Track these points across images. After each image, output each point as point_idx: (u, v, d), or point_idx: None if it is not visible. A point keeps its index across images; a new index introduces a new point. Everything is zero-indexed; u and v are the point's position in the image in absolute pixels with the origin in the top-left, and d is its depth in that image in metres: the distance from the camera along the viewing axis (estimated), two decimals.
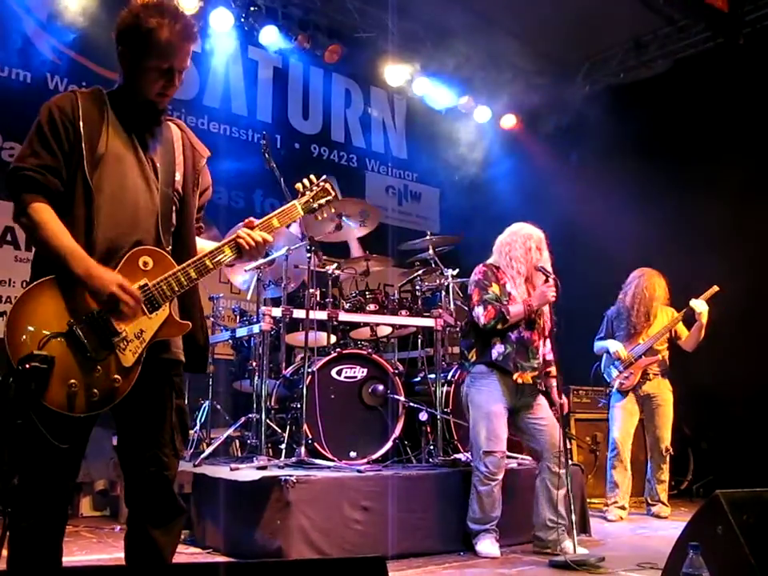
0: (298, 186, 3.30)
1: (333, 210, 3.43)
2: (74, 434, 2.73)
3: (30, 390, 2.51)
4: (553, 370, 5.45)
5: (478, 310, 5.17)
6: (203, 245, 3.13)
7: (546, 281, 5.14)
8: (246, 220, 3.12)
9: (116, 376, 2.71)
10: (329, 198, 3.33)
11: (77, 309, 2.68)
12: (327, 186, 3.34)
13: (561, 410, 5.17)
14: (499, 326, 5.11)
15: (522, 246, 5.26)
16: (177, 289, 2.85)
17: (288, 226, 4.99)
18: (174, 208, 2.98)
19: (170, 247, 2.94)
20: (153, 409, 2.83)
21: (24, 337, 2.59)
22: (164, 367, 2.87)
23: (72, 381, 2.62)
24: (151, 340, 2.80)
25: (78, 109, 2.82)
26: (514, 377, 5.11)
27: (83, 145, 2.78)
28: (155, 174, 2.93)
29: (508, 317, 5.08)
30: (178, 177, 3.01)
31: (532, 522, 5.20)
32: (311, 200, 3.29)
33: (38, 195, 2.73)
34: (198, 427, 6.51)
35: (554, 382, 5.45)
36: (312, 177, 3.34)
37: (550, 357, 5.41)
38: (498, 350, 5.14)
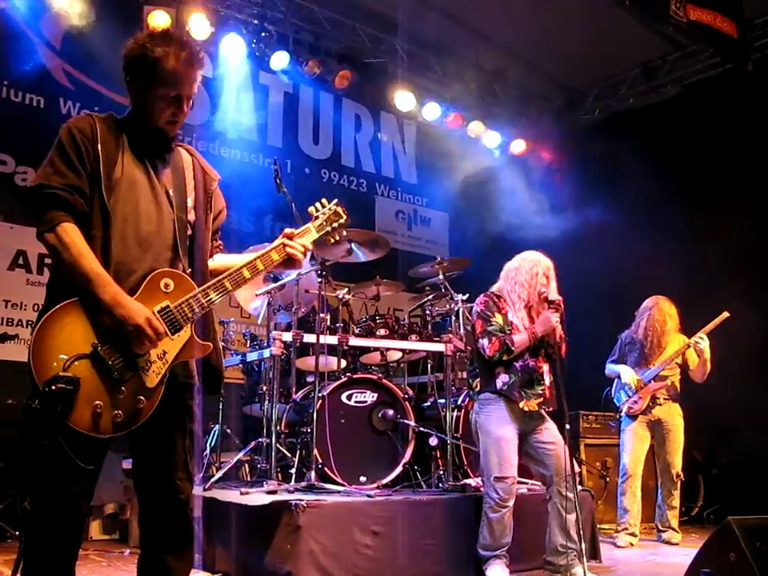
0: (311, 209, 3.34)
1: (345, 234, 3.45)
2: (97, 455, 2.76)
3: (55, 411, 2.53)
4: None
5: (483, 342, 5.16)
6: (226, 261, 3.20)
7: (550, 306, 5.13)
8: (284, 231, 3.19)
9: (140, 397, 2.74)
10: (341, 221, 3.38)
11: (101, 330, 2.70)
12: (339, 209, 3.39)
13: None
14: (505, 357, 5.10)
15: (528, 270, 5.25)
16: (197, 310, 2.88)
17: None
18: (187, 232, 3.01)
19: (192, 270, 2.97)
20: (167, 432, 2.85)
21: (49, 359, 2.61)
22: (178, 390, 2.89)
23: (97, 402, 2.65)
24: (174, 361, 2.84)
25: (96, 132, 2.86)
26: (520, 405, 5.10)
27: (101, 167, 2.81)
28: (168, 199, 2.97)
29: (513, 347, 5.07)
30: (190, 202, 3.05)
31: (543, 547, 5.16)
32: (324, 223, 3.33)
33: (66, 214, 2.75)
34: (208, 451, 6.51)
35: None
36: (324, 200, 3.39)
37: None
38: (502, 380, 5.13)
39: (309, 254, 3.32)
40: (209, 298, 2.92)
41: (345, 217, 3.41)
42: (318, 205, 3.37)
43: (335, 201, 3.43)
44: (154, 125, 2.96)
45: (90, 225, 2.78)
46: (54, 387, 2.54)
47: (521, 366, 5.16)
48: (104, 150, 2.84)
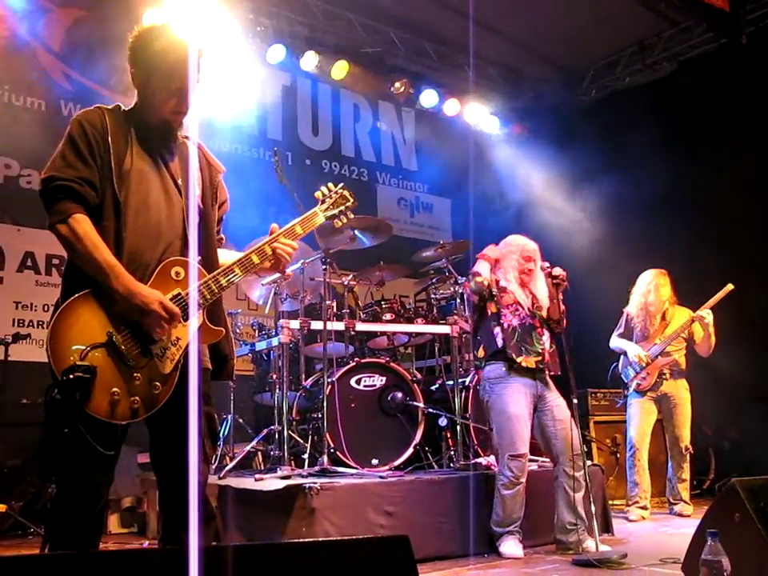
0: (318, 194, 3.42)
1: (351, 216, 3.52)
2: (116, 441, 2.83)
3: (74, 399, 2.60)
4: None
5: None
6: (227, 255, 3.25)
7: (554, 282, 5.25)
8: (271, 227, 3.23)
9: (156, 383, 2.82)
10: (348, 204, 3.48)
11: (116, 319, 2.77)
12: (345, 192, 3.48)
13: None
14: (473, 285, 5.38)
15: (515, 255, 5.45)
16: (208, 297, 2.96)
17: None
18: (196, 221, 3.07)
19: (200, 257, 3.03)
20: (183, 416, 2.90)
21: (67, 349, 2.68)
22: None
23: (114, 389, 2.72)
24: (187, 347, 2.90)
25: (106, 124, 2.92)
26: (518, 360, 5.19)
27: (112, 159, 2.87)
28: (177, 189, 3.03)
29: (471, 272, 5.40)
30: (198, 191, 3.11)
31: (553, 524, 5.24)
32: (331, 206, 3.43)
33: (78, 205, 2.81)
34: (221, 442, 6.58)
35: None
36: (330, 184, 3.47)
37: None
38: (501, 337, 5.29)
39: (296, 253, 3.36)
40: (219, 284, 3.00)
41: (352, 200, 3.50)
42: (324, 189, 3.45)
43: (341, 185, 3.52)
44: (159, 116, 3.02)
45: (101, 216, 2.85)
46: (72, 376, 2.61)
47: (518, 323, 5.30)
48: (114, 141, 2.90)
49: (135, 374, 2.77)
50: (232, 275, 3.04)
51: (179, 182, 3.06)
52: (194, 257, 2.98)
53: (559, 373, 5.41)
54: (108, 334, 2.75)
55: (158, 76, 2.96)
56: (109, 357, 2.73)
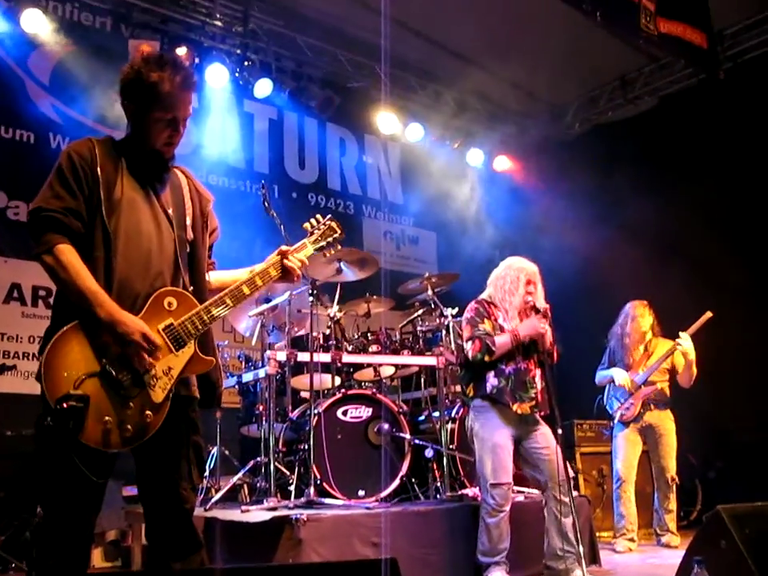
0: (306, 225, 3.48)
1: (339, 248, 3.59)
2: (107, 469, 2.85)
3: (68, 428, 2.63)
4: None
5: (467, 345, 5.27)
6: (220, 277, 3.33)
7: (537, 312, 5.23)
8: (280, 248, 3.31)
9: (147, 412, 2.83)
10: (336, 235, 3.53)
11: (109, 348, 2.79)
12: (333, 224, 3.54)
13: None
14: (487, 358, 5.17)
15: (515, 279, 5.35)
16: (200, 327, 2.99)
17: None
18: (186, 250, 3.11)
19: (192, 287, 3.07)
20: (171, 445, 2.93)
21: (60, 378, 2.70)
22: (181, 404, 2.97)
23: (107, 418, 2.74)
24: (179, 376, 2.93)
25: (95, 155, 2.95)
26: (513, 407, 5.18)
27: (101, 190, 2.90)
28: (168, 219, 3.07)
29: (494, 348, 5.14)
30: (189, 221, 3.16)
31: (542, 553, 5.22)
32: (320, 238, 3.48)
33: (62, 236, 2.84)
34: (207, 474, 6.56)
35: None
36: (318, 216, 3.53)
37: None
38: (492, 383, 5.21)
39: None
40: (210, 314, 3.03)
41: (339, 231, 3.55)
42: (312, 221, 3.51)
43: (329, 216, 3.57)
44: (151, 147, 3.06)
45: (92, 247, 2.88)
46: (65, 405, 2.63)
47: (513, 370, 5.24)
48: (103, 172, 2.93)
49: (128, 403, 2.79)
50: (222, 306, 3.07)
51: (170, 211, 3.09)
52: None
53: (548, 412, 5.39)
54: (101, 363, 2.77)
55: (152, 107, 2.99)
56: (102, 386, 2.76)
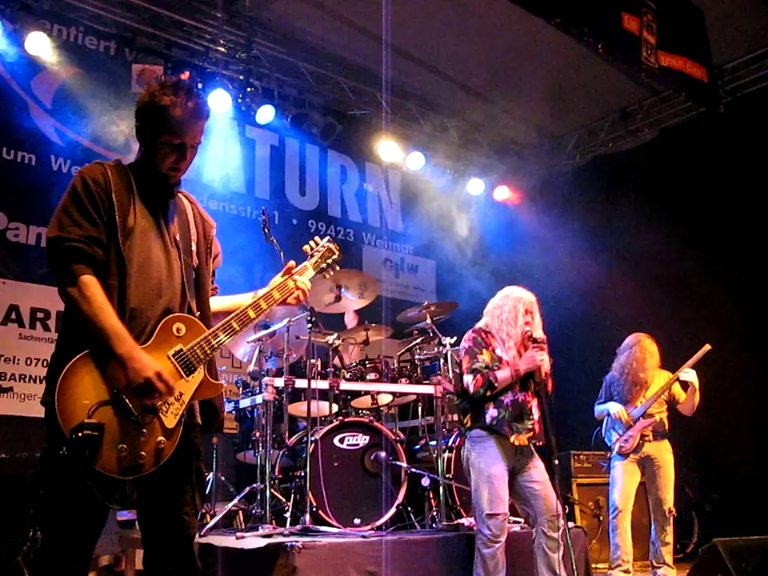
0: (306, 248, 3.51)
1: (338, 269, 3.63)
2: (120, 496, 2.84)
3: (84, 456, 2.63)
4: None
5: (467, 379, 5.23)
6: (223, 303, 3.36)
7: (535, 345, 5.22)
8: (285, 268, 3.36)
9: (160, 438, 2.84)
10: (334, 257, 3.56)
11: (121, 376, 2.78)
12: (332, 245, 3.57)
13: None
14: (488, 393, 5.15)
15: (512, 309, 5.33)
16: (209, 352, 3.00)
17: None
18: (193, 277, 3.13)
19: (199, 313, 3.08)
20: (175, 470, 2.91)
21: (74, 407, 2.70)
22: (185, 430, 2.96)
23: (121, 445, 2.74)
24: (190, 401, 2.95)
25: (109, 180, 2.95)
26: (511, 439, 5.16)
27: (117, 216, 2.91)
28: (176, 245, 3.09)
29: (495, 383, 5.12)
30: (194, 247, 3.18)
31: None
32: (320, 260, 3.51)
33: (87, 267, 2.83)
34: None
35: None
36: (317, 238, 3.57)
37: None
38: (491, 415, 5.18)
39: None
40: (218, 339, 3.04)
41: (338, 252, 3.58)
42: (311, 243, 3.54)
43: (327, 238, 3.61)
44: (158, 170, 3.07)
45: (106, 275, 2.88)
46: (80, 434, 2.63)
47: (510, 401, 5.21)
48: (117, 198, 2.94)
49: (141, 430, 2.79)
50: (230, 331, 3.09)
51: (177, 238, 3.11)
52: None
53: (545, 442, 5.36)
54: (114, 392, 2.77)
55: (161, 130, 3.01)
56: (115, 413, 2.76)
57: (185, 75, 8.22)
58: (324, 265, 3.52)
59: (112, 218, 2.91)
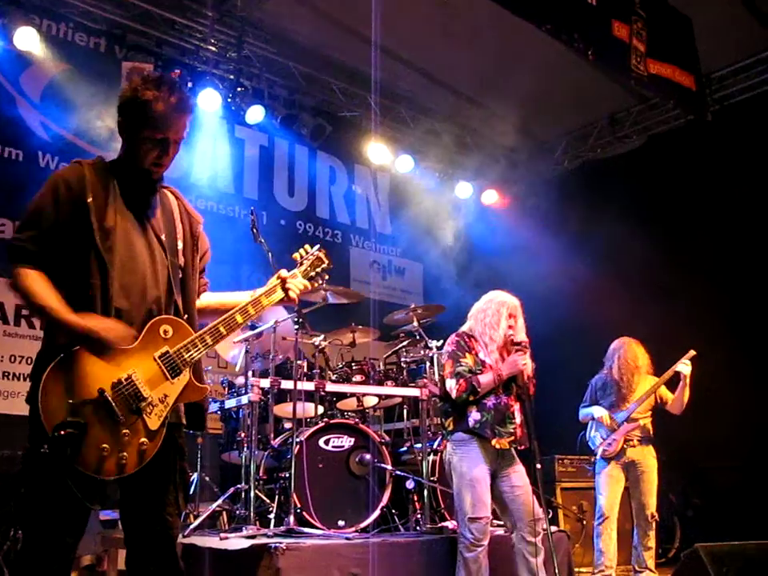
0: (295, 255, 3.49)
1: (327, 277, 3.61)
2: (101, 496, 2.85)
3: (65, 454, 2.62)
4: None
5: (450, 383, 5.24)
6: (214, 299, 3.38)
7: (518, 349, 5.24)
8: (279, 273, 3.35)
9: (143, 439, 2.83)
10: (324, 265, 3.54)
11: (105, 376, 2.79)
12: (321, 254, 3.54)
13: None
14: (471, 398, 5.17)
15: (495, 312, 5.35)
16: (195, 355, 3.00)
17: None
18: (179, 276, 3.12)
19: (187, 316, 3.08)
20: (158, 470, 2.91)
21: (57, 405, 2.70)
22: (169, 430, 2.96)
23: (104, 445, 2.73)
24: (174, 404, 2.95)
25: (85, 182, 2.96)
26: (492, 442, 5.18)
27: (93, 218, 2.91)
28: (161, 245, 3.08)
29: (479, 388, 5.14)
30: (180, 245, 3.17)
31: None
32: (309, 268, 3.48)
33: (27, 264, 2.88)
34: None
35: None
36: (307, 246, 3.53)
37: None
38: (474, 418, 5.19)
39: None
40: (205, 342, 3.04)
41: (327, 261, 3.56)
42: (301, 251, 3.51)
43: (317, 246, 3.58)
44: (140, 165, 3.06)
45: (88, 275, 2.89)
46: (62, 432, 2.63)
47: (493, 404, 5.22)
48: (94, 199, 2.94)
49: (124, 431, 2.79)
50: (217, 335, 3.09)
51: (162, 237, 3.10)
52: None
53: (527, 446, 5.38)
54: (99, 391, 2.76)
55: (143, 124, 3.00)
56: (98, 413, 2.75)
57: (175, 73, 8.21)
58: (313, 273, 3.50)
59: (87, 219, 2.91)
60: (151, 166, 3.08)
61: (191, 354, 2.98)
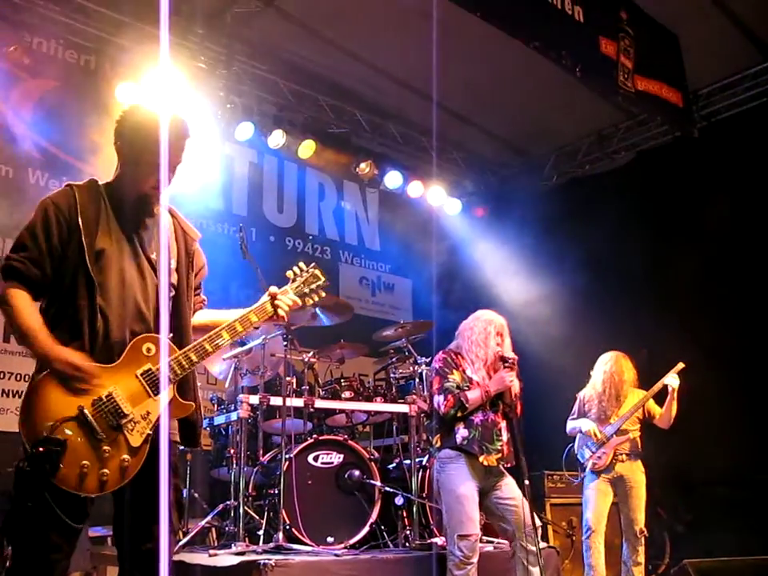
0: (289, 273, 3.50)
1: (324, 295, 3.61)
2: (84, 514, 2.85)
3: (44, 471, 2.63)
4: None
5: (438, 399, 5.27)
6: (209, 317, 3.38)
7: (505, 366, 5.26)
8: (269, 290, 3.36)
9: (125, 456, 2.84)
10: (319, 282, 3.54)
11: (86, 394, 2.81)
12: (317, 271, 3.56)
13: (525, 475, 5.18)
14: (459, 414, 5.19)
15: (482, 331, 5.39)
16: (179, 372, 3.02)
17: None
18: (169, 295, 3.14)
19: (174, 333, 3.09)
20: (150, 488, 2.90)
21: (37, 422, 2.72)
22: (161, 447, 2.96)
23: (84, 462, 2.75)
24: (157, 421, 2.94)
25: (75, 205, 3.00)
26: (480, 459, 5.18)
27: (83, 240, 2.94)
28: (150, 265, 3.10)
29: (467, 404, 5.16)
30: (173, 264, 3.18)
31: None
32: (302, 285, 3.49)
33: (17, 283, 2.90)
34: None
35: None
36: (302, 264, 3.55)
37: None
38: (462, 435, 5.20)
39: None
40: (189, 359, 3.05)
41: (323, 279, 3.57)
42: (296, 269, 3.53)
43: (313, 264, 3.59)
44: (139, 190, 3.10)
45: (75, 295, 2.92)
46: (41, 449, 2.64)
47: (480, 421, 5.24)
48: (85, 220, 2.97)
49: (105, 447, 2.80)
50: (202, 352, 3.10)
51: (153, 257, 3.12)
52: (165, 333, 3.03)
53: (514, 464, 5.39)
54: (78, 408, 2.78)
55: (145, 150, 3.03)
56: (79, 430, 2.77)
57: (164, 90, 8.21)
58: (307, 290, 3.50)
59: (78, 240, 2.94)
60: (151, 190, 3.11)
61: (174, 371, 2.99)
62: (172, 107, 3.17)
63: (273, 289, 3.36)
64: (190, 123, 3.19)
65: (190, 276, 3.28)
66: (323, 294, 3.60)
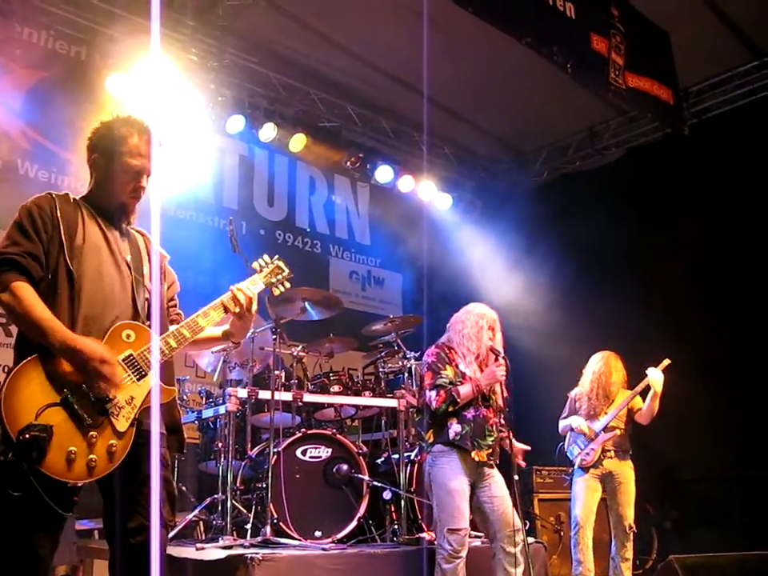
0: (255, 265, 3.61)
1: (289, 286, 3.73)
2: (72, 502, 2.84)
3: (31, 459, 2.61)
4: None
5: (430, 394, 5.25)
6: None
7: (496, 360, 5.26)
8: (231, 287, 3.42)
9: (112, 441, 2.84)
10: (284, 273, 3.67)
11: (70, 378, 2.81)
12: (280, 263, 3.70)
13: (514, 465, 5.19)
14: (451, 409, 5.19)
15: (474, 324, 5.38)
16: (159, 357, 3.03)
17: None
18: (145, 294, 3.18)
19: (149, 323, 3.12)
20: (139, 480, 2.92)
21: (21, 409, 2.69)
22: (148, 439, 2.96)
23: (71, 448, 2.74)
24: (141, 405, 2.95)
25: (55, 207, 3.07)
26: (472, 455, 5.18)
27: (63, 235, 3.00)
28: (127, 264, 3.17)
29: (458, 399, 5.16)
30: (146, 270, 3.24)
31: None
32: (269, 275, 3.60)
33: (19, 275, 2.91)
34: None
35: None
36: (266, 256, 3.67)
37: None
38: (454, 430, 5.20)
39: (257, 309, 3.47)
40: (169, 344, 3.10)
41: (287, 270, 3.70)
42: (260, 261, 3.64)
43: (276, 256, 3.73)
44: (117, 198, 3.19)
45: (56, 286, 2.96)
46: (27, 436, 2.62)
47: (473, 416, 5.24)
48: (63, 220, 3.05)
49: (91, 433, 2.80)
50: (180, 337, 3.16)
51: (128, 258, 3.20)
52: (156, 326, 3.08)
53: (505, 458, 5.39)
54: (63, 393, 2.77)
55: (121, 157, 3.13)
56: (64, 416, 2.76)
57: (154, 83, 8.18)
58: (274, 280, 3.62)
59: (58, 236, 3.01)
60: (128, 198, 3.21)
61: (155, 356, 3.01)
62: (143, 120, 3.26)
63: (234, 286, 3.43)
64: (160, 133, 3.29)
65: (162, 286, 3.35)
66: (288, 285, 3.71)
